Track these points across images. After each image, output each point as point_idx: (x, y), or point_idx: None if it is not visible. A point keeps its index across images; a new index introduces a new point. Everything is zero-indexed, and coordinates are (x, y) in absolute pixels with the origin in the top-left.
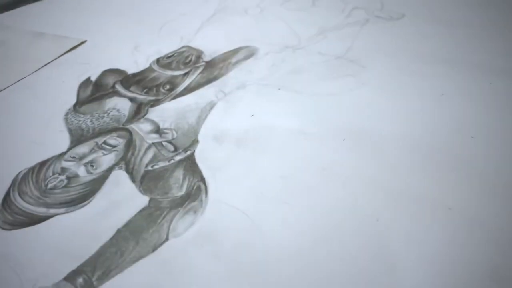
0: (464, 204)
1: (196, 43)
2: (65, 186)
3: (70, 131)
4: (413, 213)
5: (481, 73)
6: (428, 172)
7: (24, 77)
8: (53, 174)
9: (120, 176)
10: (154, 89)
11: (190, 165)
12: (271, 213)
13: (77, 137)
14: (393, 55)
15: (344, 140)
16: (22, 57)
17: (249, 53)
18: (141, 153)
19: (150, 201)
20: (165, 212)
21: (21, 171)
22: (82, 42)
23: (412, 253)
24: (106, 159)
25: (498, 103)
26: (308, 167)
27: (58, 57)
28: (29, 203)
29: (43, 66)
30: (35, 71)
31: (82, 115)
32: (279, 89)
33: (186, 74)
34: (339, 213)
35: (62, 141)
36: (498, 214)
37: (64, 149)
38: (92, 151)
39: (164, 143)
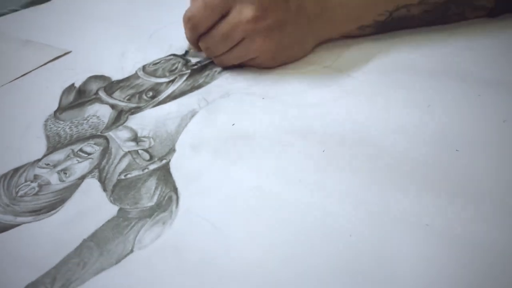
0: (442, 221)
1: (185, 51)
2: (35, 194)
3: (47, 137)
4: (387, 229)
5: (469, 85)
6: (406, 187)
7: (5, 84)
8: (25, 181)
9: (92, 184)
10: (137, 96)
11: (164, 175)
12: (241, 226)
13: (54, 144)
14: (381, 65)
15: (323, 151)
16: (6, 64)
17: None
18: (115, 162)
19: (119, 211)
20: (133, 223)
21: None
22: (66, 53)
23: (385, 271)
24: (80, 167)
25: (486, 115)
26: (284, 178)
27: (39, 67)
28: None
29: (24, 75)
30: (16, 79)
31: (61, 122)
32: (263, 98)
33: (171, 81)
34: (311, 227)
35: (39, 147)
36: (479, 232)
37: (40, 156)
38: (67, 158)
39: (140, 152)
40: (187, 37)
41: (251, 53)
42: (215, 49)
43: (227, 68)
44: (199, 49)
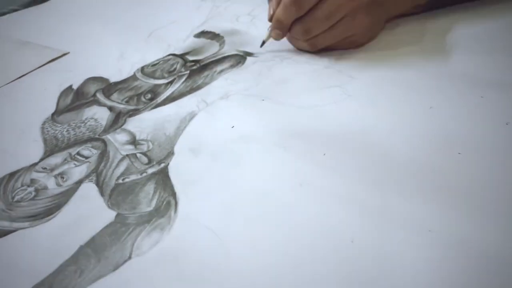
0: (445, 226)
1: (184, 51)
2: (32, 199)
3: (45, 141)
4: (389, 234)
5: (473, 86)
6: (408, 191)
7: (3, 86)
8: (22, 185)
9: (89, 189)
10: (135, 98)
11: (163, 179)
12: (240, 232)
13: (51, 147)
14: (381, 66)
15: (324, 154)
16: (3, 65)
17: (236, 61)
18: (113, 165)
19: (116, 216)
20: (130, 229)
21: None
22: (64, 54)
23: (387, 277)
24: (77, 171)
25: (490, 118)
26: (284, 182)
27: (37, 68)
28: None
29: (21, 76)
30: (14, 80)
31: (59, 125)
32: (263, 100)
33: (170, 83)
34: (311, 233)
35: (36, 151)
36: (482, 238)
37: (37, 160)
38: (64, 162)
39: (138, 155)
40: (280, 22)
41: (350, 30)
42: (315, 29)
43: (317, 51)
44: (283, 35)
